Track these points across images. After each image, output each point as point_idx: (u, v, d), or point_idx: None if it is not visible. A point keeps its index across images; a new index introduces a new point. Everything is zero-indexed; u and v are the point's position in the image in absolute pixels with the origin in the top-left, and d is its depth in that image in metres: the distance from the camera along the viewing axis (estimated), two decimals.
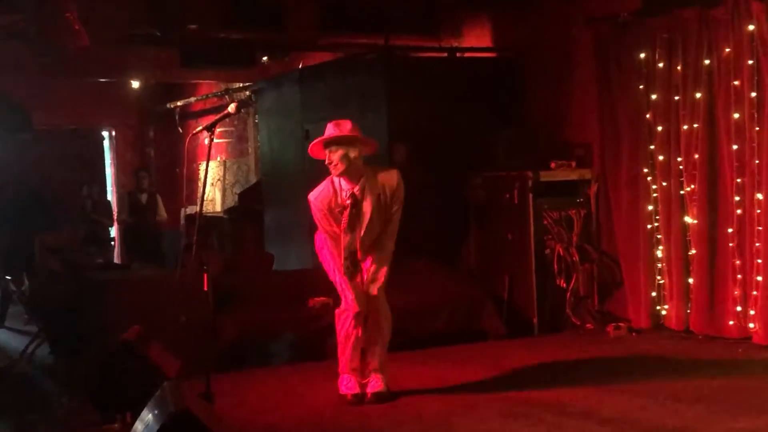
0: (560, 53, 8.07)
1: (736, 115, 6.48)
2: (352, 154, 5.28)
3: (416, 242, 7.95)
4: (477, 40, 8.94)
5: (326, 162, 5.30)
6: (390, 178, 5.37)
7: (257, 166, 12.09)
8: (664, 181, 7.02)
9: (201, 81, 12.68)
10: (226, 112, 5.06)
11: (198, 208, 5.10)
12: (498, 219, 7.76)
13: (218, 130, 12.49)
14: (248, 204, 10.81)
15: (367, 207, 5.28)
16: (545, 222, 7.50)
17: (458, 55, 8.65)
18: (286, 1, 8.74)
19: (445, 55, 8.68)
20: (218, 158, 13.41)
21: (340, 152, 5.25)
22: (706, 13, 6.66)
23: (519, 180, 7.51)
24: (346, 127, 5.32)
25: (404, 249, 7.60)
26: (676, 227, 6.95)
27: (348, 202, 5.30)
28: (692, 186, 6.81)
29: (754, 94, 6.36)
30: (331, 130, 5.32)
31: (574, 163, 7.70)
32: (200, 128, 5.13)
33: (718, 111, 6.62)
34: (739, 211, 6.53)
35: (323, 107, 9.19)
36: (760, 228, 6.36)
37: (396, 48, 8.77)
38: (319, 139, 5.34)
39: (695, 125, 6.76)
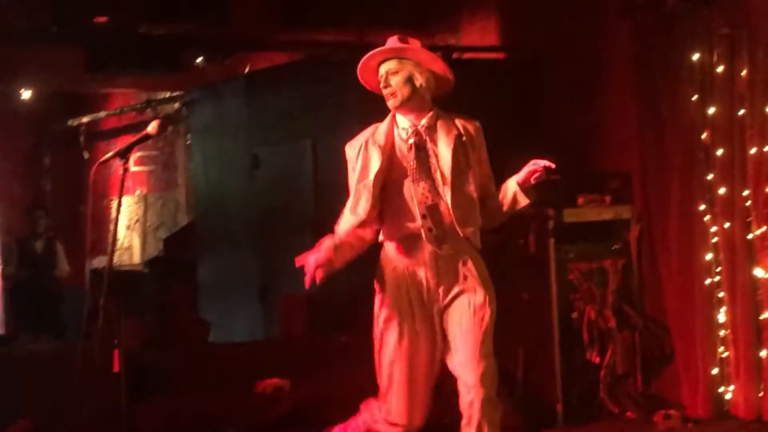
0: (589, 54, 8.18)
1: None
2: (420, 79, 4.88)
3: None
4: (480, 37, 9.05)
5: (381, 86, 4.93)
6: (469, 121, 4.99)
7: (189, 202, 12.11)
8: (727, 222, 7.08)
9: (114, 90, 12.73)
10: (144, 133, 5.08)
11: (107, 260, 5.12)
12: (509, 273, 7.75)
13: (137, 154, 12.71)
14: (177, 253, 10.82)
15: (444, 148, 4.86)
16: (571, 276, 7.54)
17: (455, 56, 8.74)
18: None
19: (439, 55, 8.77)
20: (137, 192, 13.42)
21: (404, 73, 4.88)
22: None
23: (536, 221, 7.54)
24: (415, 42, 4.97)
25: None
26: (744, 282, 7.00)
27: (411, 141, 4.89)
28: (764, 228, 6.87)
29: None
30: (393, 42, 4.97)
31: (608, 199, 7.75)
32: (110, 154, 5.14)
33: None
34: None
35: (278, 125, 9.27)
36: None
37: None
38: (375, 51, 4.95)
39: (766, 148, 6.85)
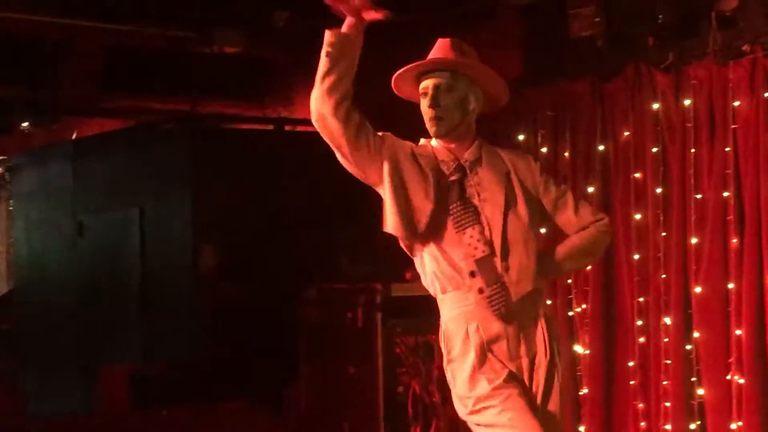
0: (419, 131, 8.35)
1: (638, 216, 6.76)
2: (474, 102, 4.06)
3: (229, 375, 7.96)
4: None
5: (427, 105, 4.10)
6: (519, 154, 4.23)
7: (10, 270, 11.88)
8: (549, 299, 7.10)
9: None
10: None
11: None
12: (336, 347, 7.79)
13: None
14: None
15: (494, 186, 4.02)
16: (398, 351, 7.57)
17: (287, 128, 8.83)
18: (57, 48, 8.77)
19: (271, 127, 8.86)
20: None
21: (458, 93, 4.02)
22: (600, 86, 6.98)
23: (364, 295, 7.58)
24: (468, 49, 4.07)
25: (213, 384, 7.62)
26: (564, 358, 7.09)
27: (453, 178, 4.06)
28: (583, 306, 7.05)
29: (659, 190, 6.62)
30: (442, 49, 4.07)
31: None
32: None
33: (615, 210, 6.88)
34: (641, 340, 6.74)
35: (105, 192, 9.21)
36: (669, 362, 6.55)
37: (205, 116, 8.90)
38: (427, 61, 4.07)
39: None
